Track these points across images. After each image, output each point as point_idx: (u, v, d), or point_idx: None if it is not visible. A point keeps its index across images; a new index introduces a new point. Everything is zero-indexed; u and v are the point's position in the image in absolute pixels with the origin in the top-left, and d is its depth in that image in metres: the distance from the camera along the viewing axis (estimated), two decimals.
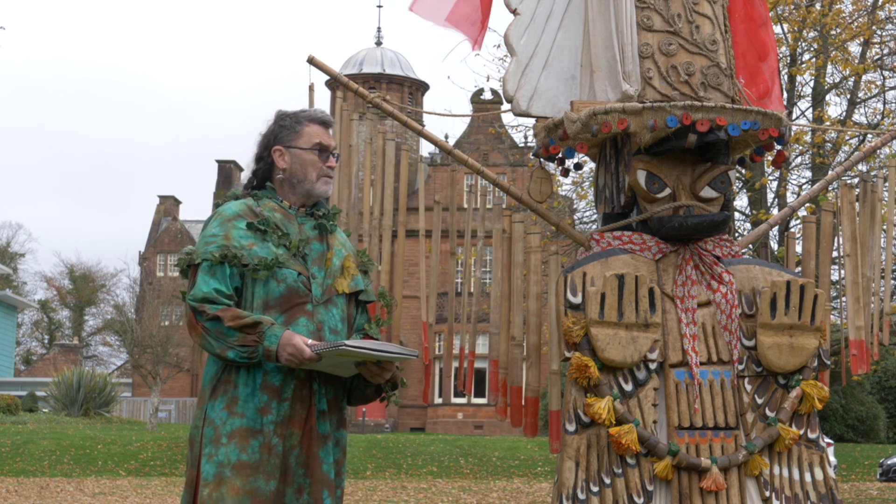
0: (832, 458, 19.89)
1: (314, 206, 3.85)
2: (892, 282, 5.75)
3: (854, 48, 18.87)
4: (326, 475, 3.63)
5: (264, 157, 3.85)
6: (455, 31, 5.14)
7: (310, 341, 3.55)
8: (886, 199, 5.73)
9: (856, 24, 17.91)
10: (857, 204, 5.59)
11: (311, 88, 5.07)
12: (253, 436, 3.57)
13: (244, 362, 3.56)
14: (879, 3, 18.17)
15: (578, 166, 5.16)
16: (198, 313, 3.56)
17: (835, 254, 5.68)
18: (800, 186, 18.75)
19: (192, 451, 3.67)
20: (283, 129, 3.83)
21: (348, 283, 3.80)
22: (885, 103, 19.22)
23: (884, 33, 18.62)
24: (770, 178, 18.06)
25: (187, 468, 3.71)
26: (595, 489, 4.38)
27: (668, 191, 4.67)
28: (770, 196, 18.87)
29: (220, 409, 3.60)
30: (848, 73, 18.34)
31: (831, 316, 5.66)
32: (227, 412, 3.58)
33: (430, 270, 5.40)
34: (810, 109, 19.32)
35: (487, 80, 22.64)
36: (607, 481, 4.40)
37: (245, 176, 3.92)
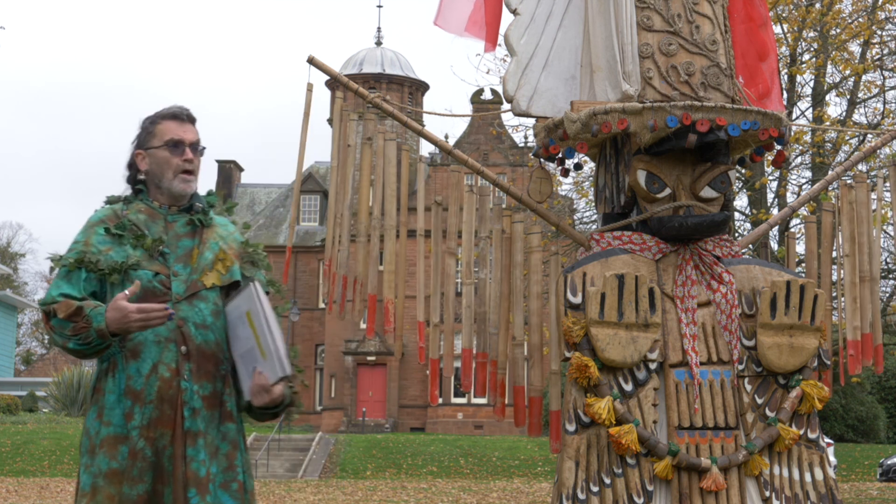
0: (832, 458, 19.89)
1: (190, 203, 3.80)
2: (893, 281, 5.74)
3: (854, 48, 18.88)
4: (195, 473, 3.55)
5: (132, 163, 3.84)
6: (473, 39, 5.28)
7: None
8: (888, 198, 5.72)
9: (856, 24, 17.91)
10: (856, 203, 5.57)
11: (308, 88, 5.06)
12: (121, 442, 3.56)
13: (84, 349, 3.55)
14: (879, 3, 18.17)
15: (578, 166, 5.16)
16: (47, 315, 3.61)
17: (835, 254, 5.67)
18: (800, 186, 18.75)
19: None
20: (143, 131, 3.83)
21: (220, 276, 3.72)
22: (885, 103, 19.23)
23: (884, 33, 18.63)
24: (770, 178, 18.06)
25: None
26: (595, 489, 4.38)
27: (668, 191, 4.67)
28: (770, 196, 18.87)
29: (94, 419, 3.62)
30: (848, 73, 18.34)
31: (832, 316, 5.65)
32: (98, 421, 3.60)
33: (430, 271, 5.38)
34: (810, 109, 19.32)
35: (487, 73, 22.69)
36: (607, 481, 4.40)
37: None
